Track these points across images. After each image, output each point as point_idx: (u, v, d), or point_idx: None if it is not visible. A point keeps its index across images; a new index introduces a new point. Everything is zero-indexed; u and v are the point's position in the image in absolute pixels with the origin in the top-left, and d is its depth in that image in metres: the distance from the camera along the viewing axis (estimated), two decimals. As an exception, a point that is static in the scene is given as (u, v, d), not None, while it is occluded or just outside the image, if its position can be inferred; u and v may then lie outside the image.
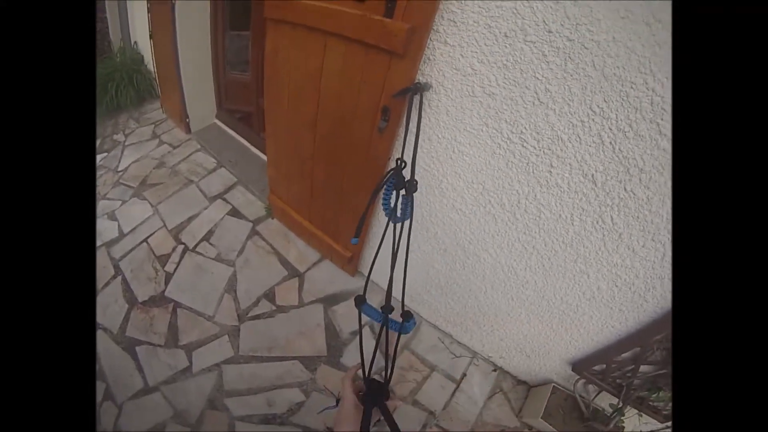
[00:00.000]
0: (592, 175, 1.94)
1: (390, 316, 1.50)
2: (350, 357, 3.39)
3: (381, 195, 2.07)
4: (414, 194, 2.00)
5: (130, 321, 3.53)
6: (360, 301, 1.62)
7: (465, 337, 3.54)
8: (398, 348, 1.56)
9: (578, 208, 2.08)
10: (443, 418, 3.31)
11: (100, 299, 3.66)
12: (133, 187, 4.48)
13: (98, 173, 4.77)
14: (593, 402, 2.99)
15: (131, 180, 4.56)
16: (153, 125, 5.32)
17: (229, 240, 4.05)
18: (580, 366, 2.85)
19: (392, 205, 1.94)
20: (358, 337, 1.75)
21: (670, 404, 2.56)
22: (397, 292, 1.65)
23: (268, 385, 3.18)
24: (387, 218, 1.88)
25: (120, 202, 4.44)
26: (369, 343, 3.41)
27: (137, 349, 3.40)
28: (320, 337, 3.46)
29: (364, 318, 1.63)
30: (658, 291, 2.14)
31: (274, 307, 3.66)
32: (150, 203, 4.33)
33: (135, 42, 6.25)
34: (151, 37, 4.93)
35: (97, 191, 4.48)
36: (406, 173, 1.97)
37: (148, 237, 4.04)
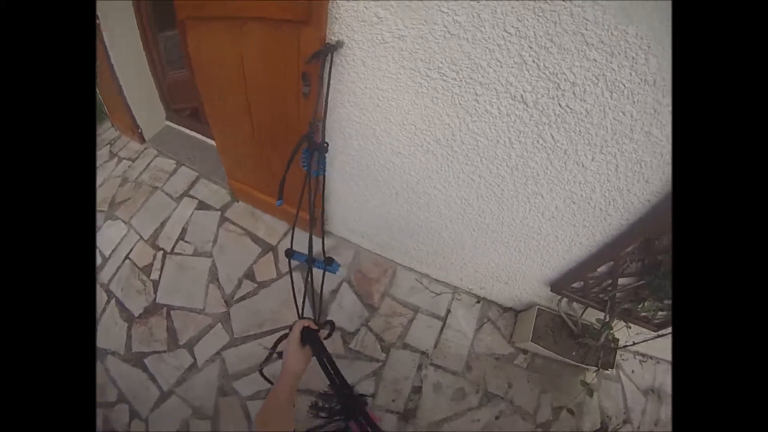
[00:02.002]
0: (522, 96, 1.81)
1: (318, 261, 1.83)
2: (334, 315, 3.44)
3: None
4: (328, 151, 2.15)
5: (133, 337, 3.56)
6: (289, 254, 1.95)
7: (441, 274, 3.49)
8: (323, 287, 2.10)
9: (515, 131, 1.97)
10: (436, 356, 3.32)
11: (101, 325, 3.67)
12: (104, 210, 4.37)
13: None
14: (581, 319, 2.96)
15: (101, 204, 4.43)
16: (108, 145, 5.14)
17: (202, 233, 4.02)
18: (558, 285, 2.81)
19: (310, 162, 2.08)
20: (303, 288, 2.02)
21: (660, 313, 2.57)
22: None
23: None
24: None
25: (96, 229, 4.34)
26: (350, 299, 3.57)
27: (145, 361, 3.44)
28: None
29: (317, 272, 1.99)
30: (619, 203, 2.06)
31: (255, 285, 3.68)
32: (123, 221, 4.23)
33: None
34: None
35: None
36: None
37: (129, 253, 3.99)
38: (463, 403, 3.18)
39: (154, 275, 3.83)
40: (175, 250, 3.95)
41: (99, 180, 4.74)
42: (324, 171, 2.16)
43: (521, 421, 3.18)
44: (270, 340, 3.08)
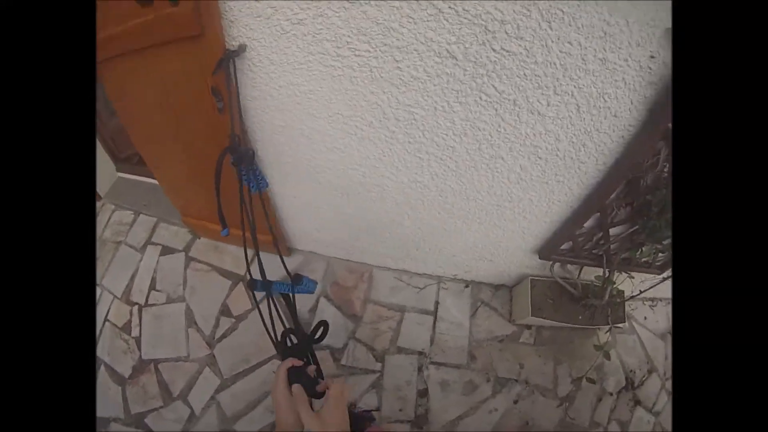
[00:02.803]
0: (447, 51, 1.57)
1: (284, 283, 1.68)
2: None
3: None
4: (254, 157, 2.00)
5: (129, 399, 3.41)
6: (252, 285, 1.78)
7: (419, 266, 3.31)
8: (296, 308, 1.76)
9: (451, 92, 1.72)
10: (435, 354, 3.16)
11: (98, 395, 3.47)
12: None
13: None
14: (579, 280, 2.79)
15: None
16: None
17: (171, 278, 3.87)
18: (545, 251, 2.62)
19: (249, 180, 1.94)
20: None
21: (660, 255, 2.44)
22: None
23: (261, 394, 3.17)
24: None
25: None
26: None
27: (146, 421, 3.30)
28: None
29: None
30: (590, 147, 1.85)
31: (233, 320, 3.52)
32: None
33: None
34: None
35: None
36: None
37: (106, 316, 3.82)
38: (476, 396, 3.04)
39: (135, 332, 3.68)
40: (149, 302, 3.79)
41: None
42: (265, 183, 1.99)
43: (542, 398, 3.06)
44: (259, 374, 3.14)
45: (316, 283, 1.78)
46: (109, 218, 4.55)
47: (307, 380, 1.24)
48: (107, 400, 3.44)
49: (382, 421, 2.94)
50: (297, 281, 1.71)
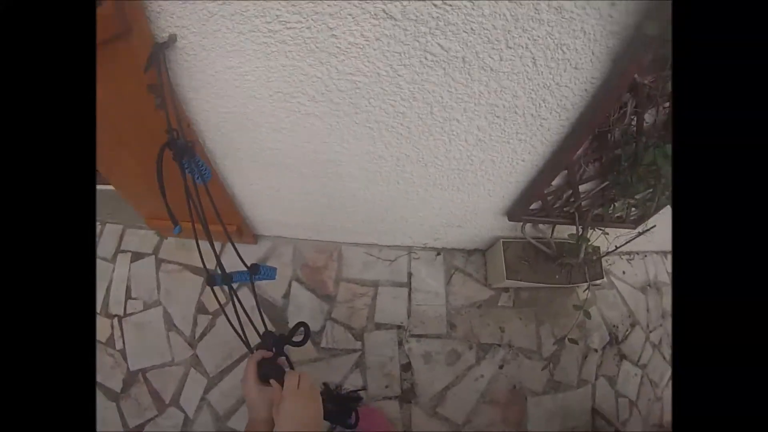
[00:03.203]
0: (384, 11, 1.45)
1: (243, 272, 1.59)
2: (295, 318, 3.29)
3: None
4: (194, 150, 1.80)
5: (125, 414, 3.39)
6: (210, 281, 1.65)
7: (388, 239, 3.26)
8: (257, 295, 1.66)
9: (394, 55, 1.62)
10: (414, 326, 3.15)
11: (97, 415, 3.32)
12: None
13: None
14: (552, 239, 2.77)
15: None
16: None
17: (145, 284, 3.81)
18: (515, 212, 2.57)
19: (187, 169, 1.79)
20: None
21: (633, 210, 2.50)
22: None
23: None
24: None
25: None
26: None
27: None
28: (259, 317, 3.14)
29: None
30: (551, 102, 1.77)
31: (210, 316, 3.52)
32: None
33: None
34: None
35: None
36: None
37: None
38: (460, 364, 3.05)
39: (119, 344, 3.63)
40: (128, 311, 3.74)
41: None
42: (208, 174, 1.85)
43: (527, 361, 3.09)
44: (243, 367, 3.03)
45: (275, 269, 1.68)
46: None
47: (279, 373, 1.24)
48: (105, 419, 3.42)
49: (370, 400, 2.95)
50: (254, 271, 1.61)
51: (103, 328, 3.70)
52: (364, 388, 2.87)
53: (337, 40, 1.58)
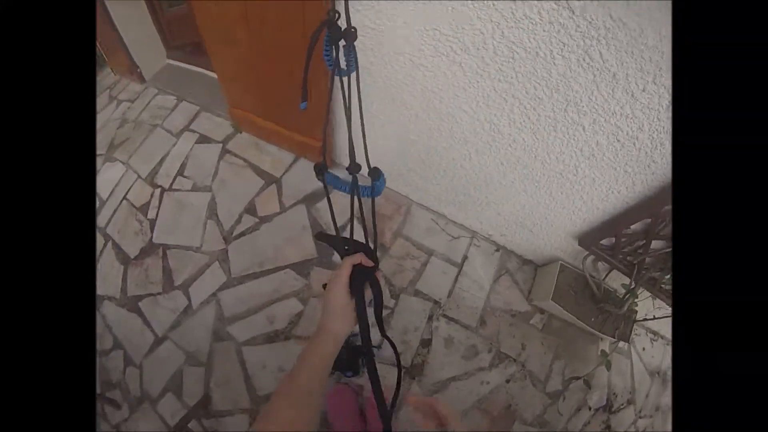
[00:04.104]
0: (566, 0, 1.55)
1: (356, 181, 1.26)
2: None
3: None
4: (355, 45, 1.65)
5: (129, 279, 3.55)
6: (321, 170, 1.32)
7: (460, 215, 3.31)
8: (376, 215, 1.34)
9: (558, 43, 1.70)
10: (450, 307, 3.18)
11: (98, 271, 3.68)
12: (102, 154, 4.37)
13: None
14: (604, 282, 2.82)
15: (99, 149, 4.43)
16: (108, 90, 5.14)
17: (202, 167, 3.96)
18: (587, 240, 2.62)
19: (334, 56, 1.52)
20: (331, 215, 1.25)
21: None
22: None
23: (266, 300, 3.21)
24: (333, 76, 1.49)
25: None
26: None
27: (140, 304, 3.43)
28: (308, 240, 3.41)
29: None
30: (666, 149, 1.84)
31: (257, 220, 3.58)
32: (121, 162, 4.22)
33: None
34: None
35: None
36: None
37: (126, 194, 3.97)
38: (474, 362, 3.06)
39: (152, 214, 3.80)
40: (174, 187, 3.90)
41: (98, 125, 4.77)
42: (355, 67, 1.82)
43: (531, 387, 3.07)
44: (269, 281, 3.20)
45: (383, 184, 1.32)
46: (150, 101, 4.68)
47: (376, 290, 1.13)
48: (107, 279, 3.58)
49: (378, 360, 2.91)
50: (375, 175, 1.30)
51: (141, 193, 3.88)
52: (377, 346, 2.87)
53: (514, 7, 1.68)
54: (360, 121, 1.30)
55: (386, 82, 2.43)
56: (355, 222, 1.24)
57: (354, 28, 1.63)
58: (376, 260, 1.17)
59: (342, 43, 1.64)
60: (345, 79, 1.32)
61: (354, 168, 1.20)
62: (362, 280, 1.08)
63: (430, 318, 3.10)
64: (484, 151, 2.49)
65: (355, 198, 1.19)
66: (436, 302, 3.16)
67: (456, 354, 3.06)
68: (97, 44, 5.02)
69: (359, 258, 1.11)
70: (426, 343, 3.05)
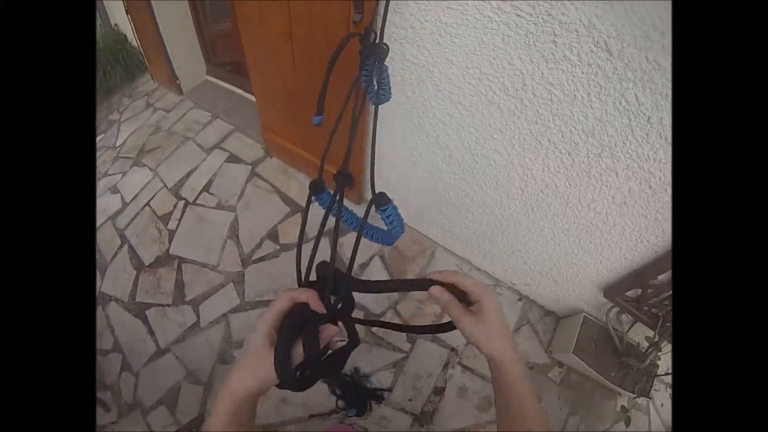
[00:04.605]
0: (605, 43, 1.58)
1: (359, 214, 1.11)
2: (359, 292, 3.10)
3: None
4: (394, 78, 1.64)
5: (139, 286, 3.58)
6: (317, 188, 1.18)
7: (485, 262, 3.28)
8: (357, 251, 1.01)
9: (595, 86, 1.72)
10: (466, 356, 3.10)
11: (110, 271, 3.73)
12: (131, 157, 4.52)
13: (98, 153, 4.97)
14: (627, 335, 2.76)
15: (130, 151, 4.62)
16: (146, 96, 5.37)
17: (229, 186, 4.03)
18: (612, 291, 2.58)
19: (371, 78, 1.54)
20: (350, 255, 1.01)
21: None
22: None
23: None
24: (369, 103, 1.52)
25: (121, 174, 4.49)
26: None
27: (147, 312, 3.44)
28: None
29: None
30: None
31: (277, 246, 3.59)
32: (149, 168, 4.34)
33: (115, 24, 6.23)
34: (127, 12, 4.89)
35: (98, 170, 4.67)
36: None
37: (149, 200, 4.06)
38: (486, 415, 2.97)
39: (172, 225, 3.84)
40: (198, 201, 3.95)
41: (131, 128, 4.92)
42: (388, 95, 1.64)
43: None
44: None
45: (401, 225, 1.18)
46: (185, 114, 4.81)
47: (310, 339, 0.76)
48: (118, 280, 3.60)
49: (389, 405, 2.91)
50: (380, 203, 1.10)
51: (165, 203, 3.93)
52: (389, 389, 2.86)
53: (555, 48, 1.72)
54: (372, 146, 1.27)
55: (422, 118, 2.45)
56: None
57: (386, 45, 1.59)
58: (347, 308, 0.95)
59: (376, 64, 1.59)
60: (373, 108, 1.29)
61: (376, 199, 1.08)
62: (296, 328, 0.77)
63: (445, 365, 3.03)
64: (516, 196, 2.48)
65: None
66: (453, 349, 3.10)
67: (469, 404, 2.97)
68: (141, 48, 5.25)
69: (306, 296, 0.82)
70: (439, 391, 2.96)
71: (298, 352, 0.75)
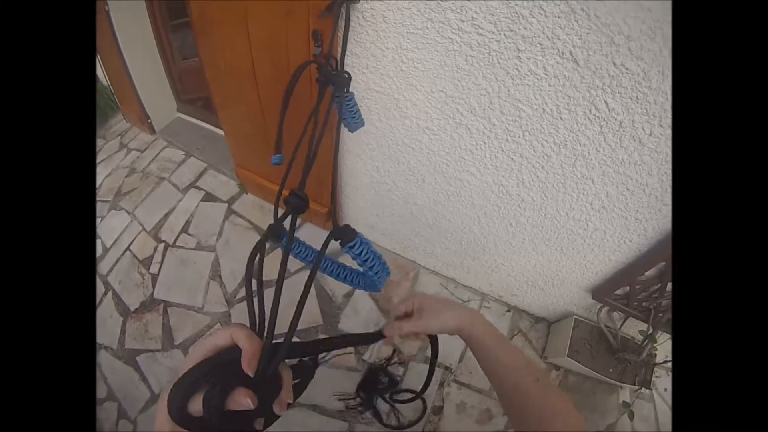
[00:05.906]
0: (570, 53, 1.56)
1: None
2: (347, 321, 3.23)
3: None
4: (361, 107, 1.62)
5: (127, 332, 3.48)
6: (273, 232, 1.05)
7: (469, 278, 3.25)
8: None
9: (564, 97, 1.70)
10: (461, 372, 3.06)
11: (97, 318, 3.62)
12: (108, 200, 4.42)
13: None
14: (620, 331, 2.74)
15: (106, 194, 4.50)
16: (119, 137, 5.29)
17: (207, 226, 3.97)
18: (600, 292, 2.56)
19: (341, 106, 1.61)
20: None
21: None
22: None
23: None
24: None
25: (99, 219, 4.37)
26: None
27: (138, 359, 3.34)
28: (313, 305, 3.32)
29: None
30: None
31: None
32: (126, 211, 4.25)
33: (84, 64, 6.05)
34: (96, 52, 4.78)
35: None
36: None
37: (129, 244, 3.97)
38: (489, 426, 2.92)
39: (154, 268, 3.76)
40: (177, 243, 3.89)
41: (106, 170, 4.83)
42: (360, 122, 1.73)
43: None
44: None
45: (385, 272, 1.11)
46: (159, 153, 4.76)
47: (214, 402, 0.59)
48: (105, 327, 3.50)
49: (388, 428, 2.86)
50: (345, 236, 1.05)
51: (145, 246, 3.85)
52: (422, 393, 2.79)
53: (520, 63, 1.68)
54: (333, 175, 1.25)
55: (391, 146, 2.42)
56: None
57: (347, 73, 1.61)
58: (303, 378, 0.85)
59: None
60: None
61: (336, 233, 1.01)
62: (208, 377, 0.62)
63: (441, 384, 3.01)
64: (493, 213, 2.47)
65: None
66: (447, 368, 3.07)
67: (469, 419, 2.93)
68: (112, 89, 5.15)
69: (245, 344, 0.65)
70: (437, 410, 2.93)
71: (197, 407, 0.60)
